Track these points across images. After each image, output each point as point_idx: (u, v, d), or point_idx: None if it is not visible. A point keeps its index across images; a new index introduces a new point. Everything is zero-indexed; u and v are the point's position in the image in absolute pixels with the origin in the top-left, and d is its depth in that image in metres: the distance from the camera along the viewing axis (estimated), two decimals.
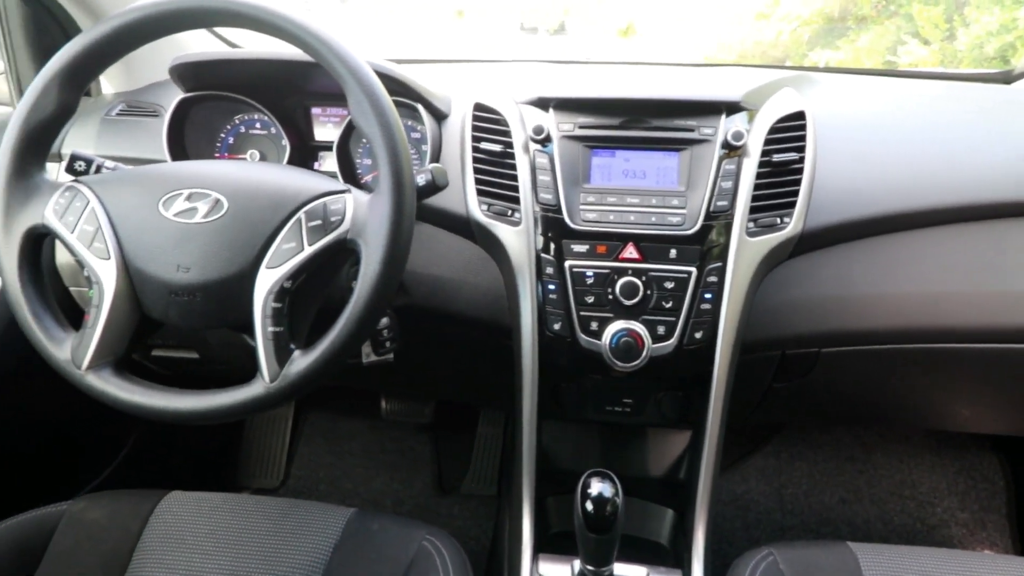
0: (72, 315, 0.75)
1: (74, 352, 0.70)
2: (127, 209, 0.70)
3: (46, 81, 0.70)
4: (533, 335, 0.89)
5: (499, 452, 1.57)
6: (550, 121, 0.91)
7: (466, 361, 1.14)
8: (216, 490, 0.89)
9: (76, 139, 1.01)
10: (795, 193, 0.86)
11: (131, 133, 1.01)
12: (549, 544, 0.95)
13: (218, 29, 1.21)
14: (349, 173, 1.00)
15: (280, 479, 1.55)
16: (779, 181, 0.87)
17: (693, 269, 0.86)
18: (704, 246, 0.86)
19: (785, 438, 1.58)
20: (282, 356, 0.68)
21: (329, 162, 1.05)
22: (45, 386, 1.05)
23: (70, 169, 0.78)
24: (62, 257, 1.03)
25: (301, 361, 0.68)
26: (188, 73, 0.95)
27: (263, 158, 1.03)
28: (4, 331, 0.94)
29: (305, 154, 1.04)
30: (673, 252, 0.86)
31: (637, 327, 0.86)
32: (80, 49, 0.70)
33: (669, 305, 0.86)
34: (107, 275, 0.69)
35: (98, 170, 0.79)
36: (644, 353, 0.85)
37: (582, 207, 0.88)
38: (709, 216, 0.85)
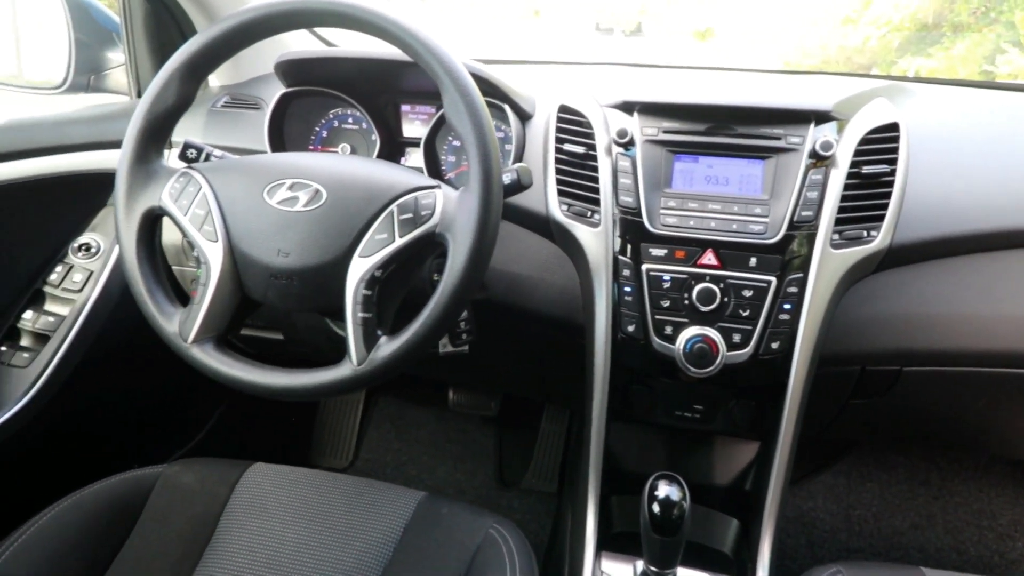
0: (176, 293, 0.81)
1: (181, 326, 0.75)
2: (235, 195, 0.75)
3: (168, 75, 0.76)
4: (606, 336, 0.90)
5: (561, 449, 1.58)
6: (634, 125, 0.92)
7: (537, 358, 1.16)
8: (290, 465, 0.94)
9: (185, 128, 1.08)
10: (884, 206, 0.84)
11: (234, 124, 1.08)
12: (611, 543, 0.96)
13: (319, 29, 1.27)
14: (434, 169, 1.04)
15: (349, 460, 1.61)
16: (868, 193, 0.85)
17: (773, 279, 0.85)
18: (785, 256, 0.85)
19: (857, 457, 1.54)
20: (370, 341, 0.71)
21: (414, 158, 1.09)
22: (147, 357, 1.13)
23: (183, 156, 0.84)
24: (167, 237, 1.11)
25: (387, 347, 0.71)
26: (292, 69, 1.00)
27: (354, 152, 1.08)
28: (115, 305, 1.02)
29: (393, 149, 1.08)
30: (753, 260, 0.85)
31: (712, 334, 0.86)
32: (199, 46, 0.76)
33: (746, 313, 0.85)
34: (214, 256, 0.74)
35: (207, 158, 0.85)
36: (718, 360, 0.85)
37: (662, 211, 0.89)
38: (792, 226, 0.85)
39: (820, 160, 0.86)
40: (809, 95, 0.94)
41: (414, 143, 1.08)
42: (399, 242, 0.71)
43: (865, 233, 0.85)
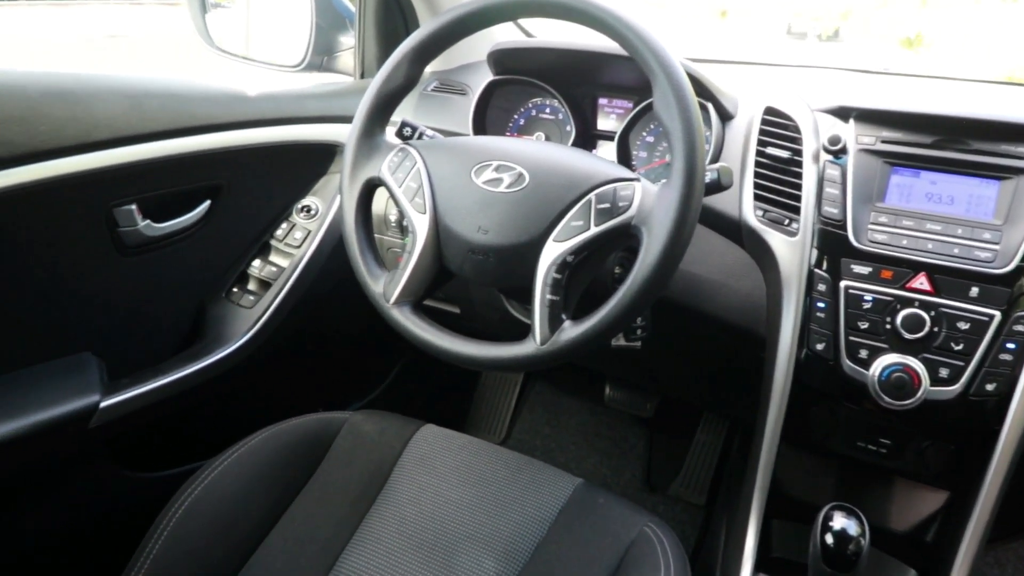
0: None
1: (385, 288, 0.81)
2: (445, 173, 0.80)
3: (400, 57, 0.83)
4: (791, 352, 0.86)
5: (715, 461, 1.53)
6: (848, 132, 0.86)
7: (707, 364, 1.13)
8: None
9: (399, 109, 1.17)
10: None
11: (442, 107, 1.15)
12: (768, 566, 0.92)
13: (522, 20, 1.32)
14: (625, 163, 1.04)
15: (501, 438, 1.68)
16: None
17: (997, 313, 0.76)
18: (1016, 290, 0.76)
19: None
20: (554, 323, 0.73)
21: (605, 151, 1.10)
22: (344, 312, 1.25)
23: (399, 134, 0.92)
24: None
25: (571, 330, 0.72)
26: (503, 58, 1.05)
27: (548, 141, 1.11)
28: (325, 261, 1.14)
29: (586, 141, 1.10)
30: (974, 290, 0.77)
31: (914, 364, 0.79)
32: (428, 33, 0.82)
33: (959, 348, 0.77)
34: (421, 227, 0.79)
35: (420, 136, 0.91)
36: (919, 394, 0.78)
37: (871, 226, 0.83)
38: None
39: None
40: None
41: (607, 136, 1.09)
42: (594, 230, 0.72)
43: None
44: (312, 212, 1.15)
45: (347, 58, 1.28)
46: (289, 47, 1.24)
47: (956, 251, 0.79)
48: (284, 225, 1.15)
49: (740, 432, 1.47)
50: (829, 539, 0.71)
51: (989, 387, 0.77)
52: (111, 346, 1.00)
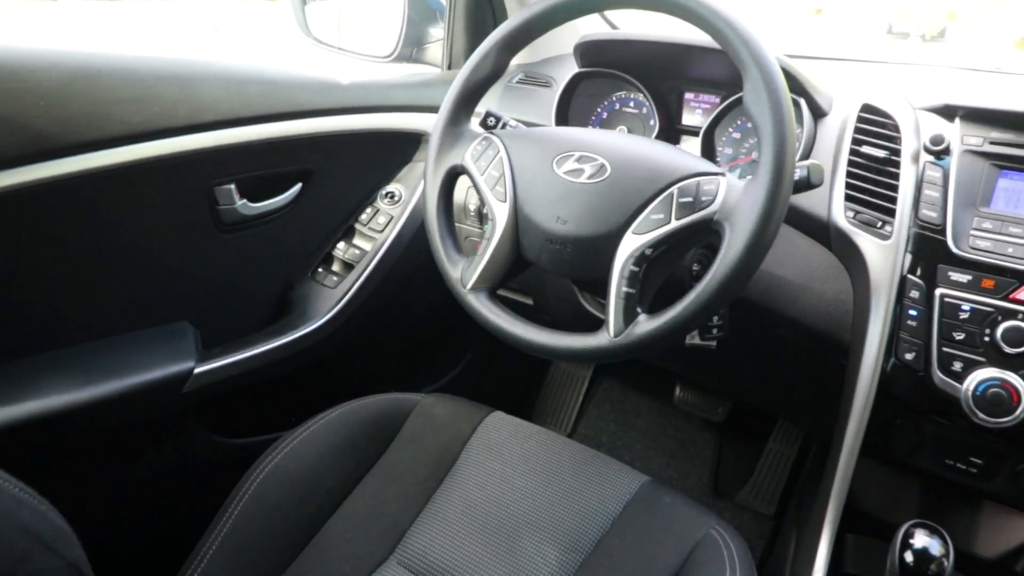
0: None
1: (463, 273, 0.83)
2: (526, 162, 0.81)
3: (489, 47, 0.84)
4: (877, 361, 0.82)
5: (787, 472, 1.48)
6: (953, 132, 0.82)
7: (785, 369, 1.10)
8: None
9: (485, 100, 1.20)
10: None
11: (526, 99, 1.16)
12: None
13: (608, 12, 1.32)
14: (708, 159, 1.02)
15: (568, 431, 1.68)
16: None
17: None
18: None
19: None
20: (629, 316, 0.73)
21: (689, 146, 1.08)
22: (421, 298, 1.28)
23: (483, 123, 0.93)
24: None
25: (646, 324, 0.72)
26: (589, 50, 1.05)
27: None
28: (406, 246, 1.17)
29: (669, 136, 1.09)
30: None
31: (1015, 380, 0.74)
32: (517, 24, 0.83)
33: None
34: (501, 215, 0.81)
35: (503, 126, 0.93)
36: (1017, 412, 0.73)
37: (973, 232, 0.78)
38: None
39: None
40: None
41: (691, 131, 1.07)
42: (674, 224, 0.71)
43: None
44: (396, 198, 1.18)
45: (435, 50, 1.31)
46: (381, 39, 1.28)
47: None
48: (369, 210, 1.19)
49: (817, 442, 1.41)
50: (909, 557, 0.68)
51: None
52: (206, 317, 1.06)
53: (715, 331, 0.91)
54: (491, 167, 0.82)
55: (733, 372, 1.23)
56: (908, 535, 0.70)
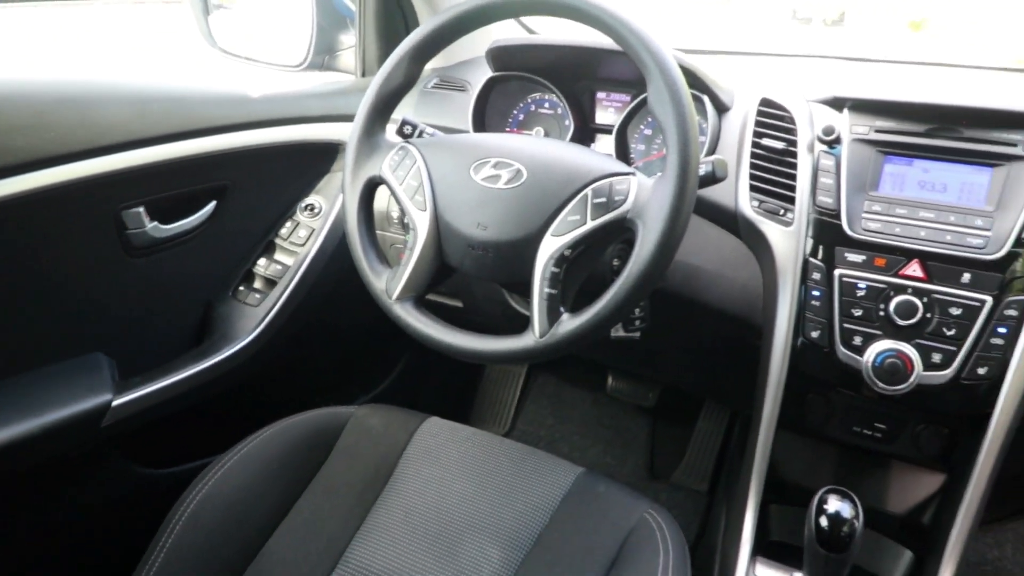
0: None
1: (388, 284, 0.83)
2: (444, 170, 0.82)
3: (399, 57, 0.84)
4: (787, 339, 0.87)
5: (717, 449, 1.55)
6: (842, 122, 0.87)
7: (707, 353, 1.15)
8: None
9: (400, 106, 1.19)
10: None
11: (442, 104, 1.17)
12: (766, 550, 0.94)
13: (526, 18, 1.33)
14: (623, 156, 1.06)
15: (506, 429, 1.70)
16: None
17: (988, 298, 0.78)
18: (1007, 275, 0.77)
19: None
20: (553, 316, 0.75)
21: (603, 144, 1.11)
22: (348, 309, 1.27)
23: (399, 132, 0.93)
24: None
25: (569, 323, 0.74)
26: (501, 55, 1.07)
27: (547, 135, 1.13)
28: (329, 259, 1.16)
29: (584, 135, 1.12)
30: (966, 276, 0.79)
31: (907, 350, 0.80)
32: (427, 32, 0.83)
33: (951, 333, 0.79)
34: (422, 224, 0.81)
35: (421, 134, 0.93)
36: (911, 379, 0.80)
37: (864, 215, 0.84)
38: (1020, 242, 0.77)
39: None
40: None
41: (605, 130, 1.10)
42: (591, 224, 0.74)
43: None
44: (316, 210, 1.17)
45: (348, 57, 1.29)
46: (291, 47, 1.25)
47: (948, 238, 0.80)
48: (288, 224, 1.17)
49: (740, 419, 1.48)
50: (824, 522, 0.73)
51: (981, 371, 0.78)
52: (122, 346, 1.02)
53: (637, 323, 0.94)
54: (409, 176, 0.82)
55: (659, 359, 1.28)
56: (822, 501, 0.74)
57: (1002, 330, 0.77)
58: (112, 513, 1.07)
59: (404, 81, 0.85)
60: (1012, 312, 0.77)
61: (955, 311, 0.79)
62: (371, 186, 0.86)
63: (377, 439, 0.98)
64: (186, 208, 1.04)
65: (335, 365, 1.41)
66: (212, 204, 1.06)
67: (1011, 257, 0.77)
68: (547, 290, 0.75)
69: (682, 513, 1.51)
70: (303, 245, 1.15)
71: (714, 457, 1.55)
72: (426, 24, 0.83)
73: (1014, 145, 0.79)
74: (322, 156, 1.18)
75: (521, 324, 0.77)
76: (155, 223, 0.99)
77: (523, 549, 0.85)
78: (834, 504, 0.74)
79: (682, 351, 1.19)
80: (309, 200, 1.18)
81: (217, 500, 0.85)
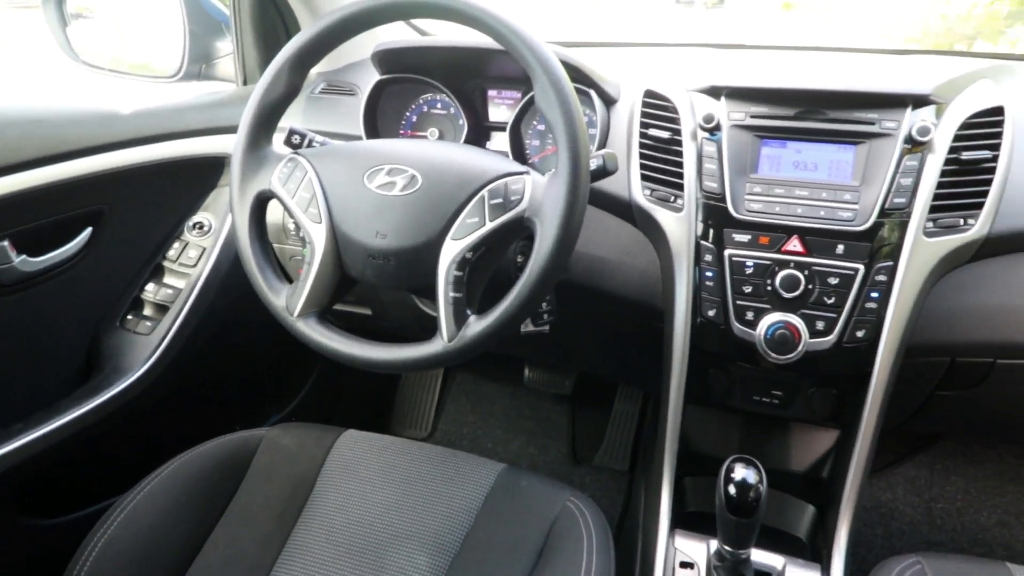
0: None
1: (288, 300, 0.81)
2: (337, 180, 0.80)
3: (279, 67, 0.81)
4: (686, 320, 0.91)
5: (634, 429, 1.60)
6: (721, 109, 0.92)
7: (615, 339, 1.18)
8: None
9: (286, 113, 1.15)
10: (983, 194, 0.82)
11: (331, 109, 1.14)
12: (684, 522, 0.98)
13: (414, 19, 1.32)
14: (519, 152, 1.07)
15: (428, 431, 1.69)
16: (966, 180, 0.82)
17: (861, 266, 0.84)
18: (875, 243, 0.83)
19: (942, 450, 1.49)
20: (460, 319, 0.75)
21: (499, 141, 1.12)
22: (250, 328, 1.22)
23: (287, 142, 0.90)
24: (268, 216, 1.19)
25: (476, 325, 0.75)
26: (387, 58, 1.05)
27: (441, 136, 1.12)
28: (224, 279, 1.10)
29: (479, 134, 1.12)
30: (840, 248, 0.85)
31: (794, 320, 0.86)
32: (308, 39, 0.81)
33: (831, 301, 0.85)
34: (318, 237, 0.79)
35: (310, 144, 0.90)
36: (800, 347, 0.85)
37: (747, 197, 0.89)
38: (883, 213, 0.83)
39: (916, 146, 0.83)
40: (907, 78, 0.92)
41: (499, 127, 1.11)
42: (489, 226, 0.74)
43: (962, 221, 0.82)
44: (205, 228, 1.11)
45: (227, 64, 1.24)
46: (163, 56, 1.19)
47: (822, 213, 0.86)
48: (176, 245, 1.11)
49: (651, 400, 1.54)
50: (732, 489, 0.76)
51: (859, 334, 0.85)
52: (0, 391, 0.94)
53: (546, 316, 0.96)
54: (301, 189, 0.80)
55: (572, 348, 1.31)
56: (729, 470, 0.78)
57: (875, 295, 0.84)
58: (9, 570, 0.99)
59: (287, 91, 0.82)
60: (882, 277, 0.83)
61: (833, 281, 0.85)
62: (261, 201, 0.83)
63: (292, 458, 0.95)
64: (58, 237, 0.96)
65: (243, 387, 1.35)
66: (87, 231, 0.99)
67: (877, 227, 0.83)
68: (452, 294, 0.75)
69: (606, 494, 1.55)
70: (194, 266, 1.09)
71: (632, 437, 1.60)
72: (306, 30, 0.81)
73: (872, 123, 0.86)
74: (207, 171, 1.13)
75: (433, 327, 0.77)
76: (23, 256, 0.91)
77: (450, 552, 0.85)
78: (740, 472, 0.78)
79: (592, 339, 1.22)
80: (197, 218, 1.12)
81: (122, 544, 0.80)
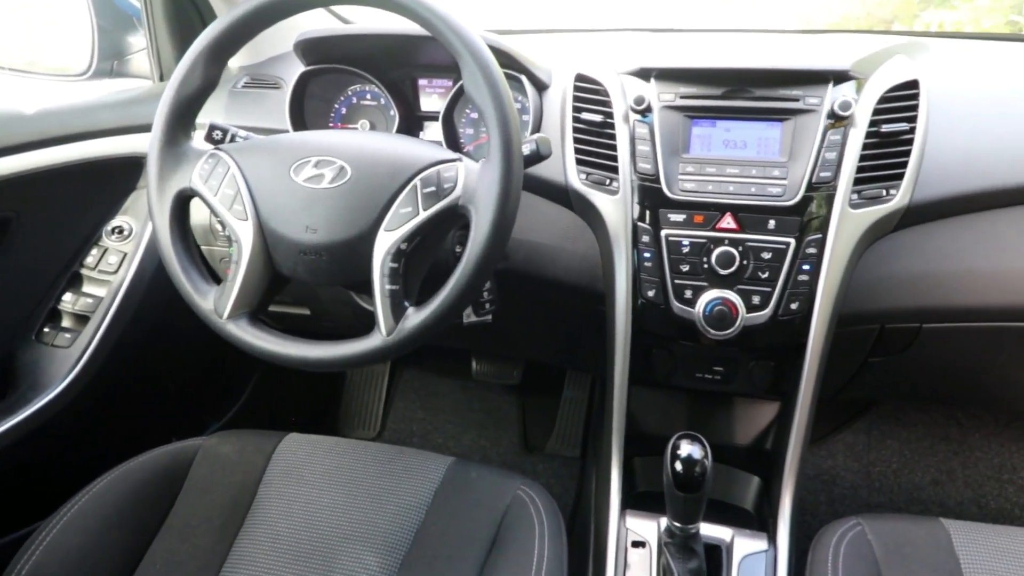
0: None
1: (216, 303, 0.77)
2: (262, 175, 0.77)
3: (193, 58, 0.77)
4: (627, 301, 0.92)
5: (584, 415, 1.61)
6: (651, 91, 0.92)
7: (559, 325, 1.18)
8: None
9: (207, 110, 1.09)
10: (903, 165, 0.85)
11: (256, 104, 1.09)
12: (635, 502, 0.99)
13: (335, 7, 1.28)
14: (452, 142, 1.05)
15: (377, 431, 1.66)
16: (887, 152, 0.85)
17: (792, 240, 0.86)
18: (804, 217, 0.85)
19: (877, 415, 1.55)
20: (397, 312, 0.73)
21: (432, 131, 1.10)
22: (181, 334, 1.17)
23: (209, 138, 0.86)
24: (194, 219, 1.14)
25: (415, 317, 0.73)
26: (311, 48, 1.02)
27: (373, 128, 1.10)
28: (149, 284, 1.05)
29: (411, 124, 1.10)
30: (772, 223, 0.86)
31: (731, 296, 0.87)
32: (223, 29, 0.77)
33: (765, 276, 0.86)
34: (245, 235, 0.76)
35: (232, 139, 0.86)
36: (738, 322, 0.87)
37: (680, 177, 0.90)
38: (811, 187, 0.85)
39: (839, 120, 0.86)
40: (827, 55, 0.94)
41: (432, 117, 1.09)
42: (423, 215, 0.73)
43: (884, 192, 0.85)
44: (125, 233, 1.06)
45: (141, 60, 1.18)
46: (71, 53, 1.12)
47: (753, 190, 0.87)
48: (95, 251, 1.05)
49: (599, 383, 1.55)
50: (678, 466, 0.77)
51: (793, 306, 0.87)
52: None
53: (487, 306, 0.95)
54: (224, 185, 0.77)
55: (517, 337, 1.30)
56: (675, 447, 0.79)
57: (806, 267, 0.86)
58: None
59: (203, 83, 0.78)
60: (812, 250, 0.86)
61: (766, 255, 0.86)
62: (182, 200, 0.79)
63: (231, 468, 0.91)
64: None
65: (178, 397, 1.30)
66: None
67: (806, 201, 0.85)
68: (388, 287, 0.73)
69: (560, 481, 1.56)
70: (115, 272, 1.04)
71: (583, 423, 1.61)
72: (221, 19, 0.77)
73: (796, 100, 0.88)
74: (124, 172, 1.07)
75: (373, 323, 0.75)
76: None
77: (401, 551, 0.83)
78: (686, 448, 0.79)
79: (536, 327, 1.22)
80: (116, 222, 1.06)
81: (48, 569, 0.75)
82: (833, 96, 0.86)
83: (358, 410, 1.69)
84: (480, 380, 1.66)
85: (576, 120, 0.94)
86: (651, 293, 0.90)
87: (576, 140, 0.94)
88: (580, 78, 0.96)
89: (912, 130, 0.85)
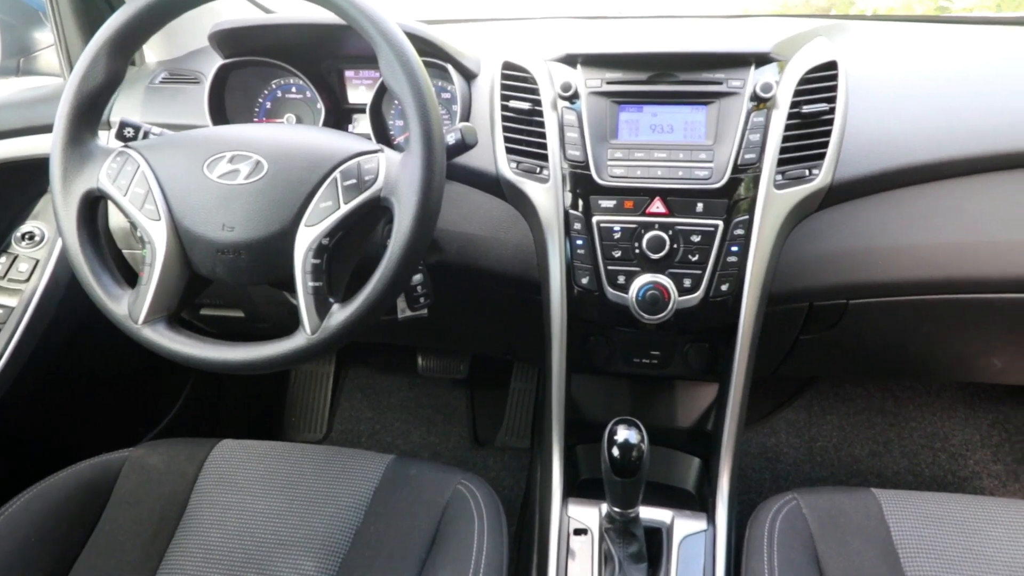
0: (127, 276, 0.80)
1: (131, 307, 0.74)
2: (174, 172, 0.74)
3: (95, 51, 0.74)
4: (562, 290, 0.91)
5: (532, 406, 1.61)
6: (578, 78, 0.92)
7: (497, 316, 1.17)
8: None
9: (123, 107, 1.05)
10: (824, 145, 0.86)
11: (174, 100, 1.05)
12: (579, 489, 0.99)
13: None
14: (382, 134, 1.03)
15: (323, 433, 1.63)
16: (808, 133, 0.86)
17: (720, 222, 0.87)
18: (731, 199, 0.86)
19: (816, 392, 1.60)
20: (322, 309, 0.72)
21: (362, 124, 1.08)
22: (103, 343, 1.12)
23: (119, 136, 0.82)
24: (115, 221, 1.09)
25: (340, 314, 0.71)
26: (226, 40, 0.98)
27: (300, 122, 1.06)
28: (65, 292, 1.00)
29: (340, 117, 1.07)
30: (700, 206, 0.87)
31: (663, 280, 0.88)
32: (126, 19, 0.74)
33: (695, 258, 0.87)
34: (158, 235, 0.73)
35: (145, 136, 0.83)
36: (670, 306, 0.87)
37: (609, 163, 0.89)
38: (737, 169, 0.86)
39: (761, 102, 0.87)
40: (749, 38, 0.95)
41: (361, 109, 1.07)
42: (344, 209, 0.71)
43: (807, 172, 0.87)
44: (36, 239, 1.01)
45: (50, 57, 1.12)
46: None
47: (680, 173, 0.88)
48: (3, 259, 1.00)
49: (541, 372, 1.55)
50: (615, 451, 0.77)
51: (724, 287, 0.88)
52: None
53: (422, 299, 0.93)
54: (134, 184, 0.74)
55: (458, 331, 1.29)
56: (612, 433, 0.79)
57: (735, 248, 0.87)
58: None
59: (107, 78, 0.75)
60: (740, 232, 0.87)
61: (695, 238, 0.87)
62: (90, 201, 0.75)
63: (160, 478, 0.88)
64: None
65: (107, 406, 1.24)
66: None
67: (732, 184, 0.86)
68: (311, 283, 0.71)
69: (511, 473, 1.56)
70: (27, 281, 0.99)
71: (530, 414, 1.61)
72: (123, 10, 0.74)
73: (720, 83, 0.88)
74: (33, 175, 1.02)
75: None
76: None
77: (340, 553, 0.81)
78: (622, 433, 0.79)
79: (475, 319, 1.21)
80: (26, 228, 1.01)
81: None
82: (755, 79, 0.87)
83: (303, 412, 1.65)
84: (427, 376, 1.65)
85: (505, 108, 0.93)
86: (585, 280, 0.90)
87: (505, 129, 0.93)
88: (507, 66, 0.95)
89: (832, 110, 0.86)
